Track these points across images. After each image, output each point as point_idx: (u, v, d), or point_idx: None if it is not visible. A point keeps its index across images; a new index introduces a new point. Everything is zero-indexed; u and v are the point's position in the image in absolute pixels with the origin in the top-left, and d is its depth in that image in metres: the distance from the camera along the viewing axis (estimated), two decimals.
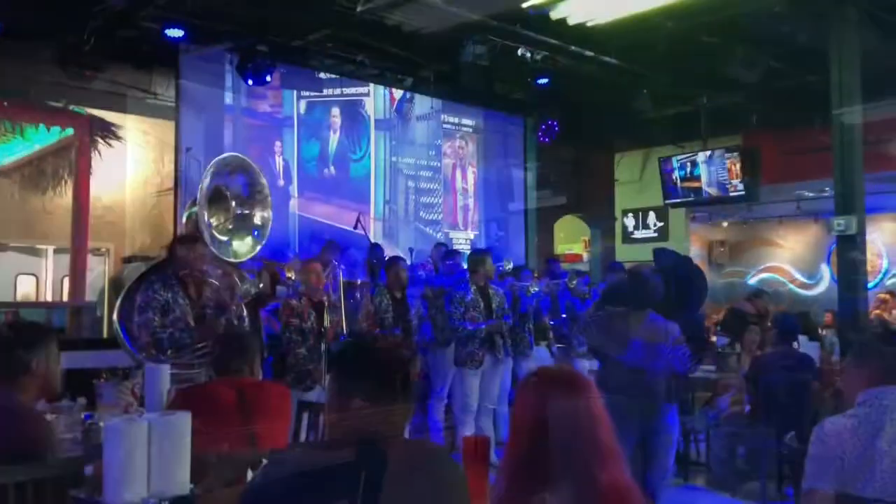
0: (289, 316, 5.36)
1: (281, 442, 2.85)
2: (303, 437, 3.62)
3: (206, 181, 4.54)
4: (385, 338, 5.91)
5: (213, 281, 4.52)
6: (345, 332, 5.67)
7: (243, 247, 4.72)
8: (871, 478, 2.22)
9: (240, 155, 5.30)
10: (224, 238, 4.67)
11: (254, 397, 2.86)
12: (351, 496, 1.53)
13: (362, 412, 1.66)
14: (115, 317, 4.48)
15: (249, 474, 2.29)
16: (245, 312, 4.69)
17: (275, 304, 6.02)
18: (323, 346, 5.35)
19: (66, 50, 7.28)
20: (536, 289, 6.98)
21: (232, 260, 4.67)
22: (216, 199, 4.80)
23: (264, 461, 2.30)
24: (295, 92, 8.94)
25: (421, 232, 10.00)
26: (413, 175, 10.10)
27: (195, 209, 4.56)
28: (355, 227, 8.05)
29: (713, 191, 10.46)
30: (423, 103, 10.15)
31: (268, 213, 4.94)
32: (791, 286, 15.27)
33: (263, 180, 4.98)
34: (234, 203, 4.86)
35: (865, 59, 7.02)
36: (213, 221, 4.72)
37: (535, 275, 7.82)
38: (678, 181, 10.81)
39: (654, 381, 4.05)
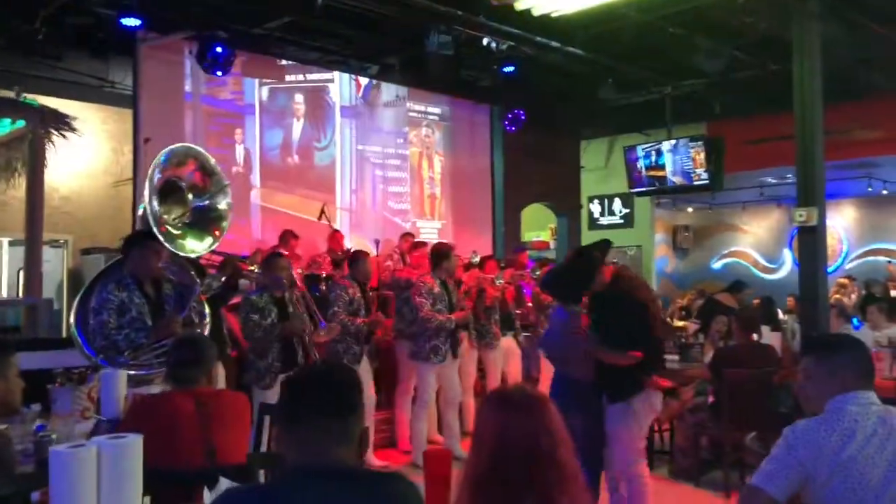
0: (248, 312, 5.27)
1: (240, 453, 2.79)
2: (264, 444, 3.57)
3: (155, 176, 4.39)
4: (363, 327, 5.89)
5: (171, 277, 4.41)
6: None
7: (200, 245, 4.57)
8: (839, 485, 2.21)
9: (187, 144, 5.13)
10: (177, 232, 4.51)
11: (211, 407, 2.80)
12: None
13: (311, 443, 1.61)
14: (71, 320, 4.35)
15: (206, 493, 2.23)
16: (206, 310, 4.57)
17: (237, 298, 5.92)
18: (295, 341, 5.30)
19: (16, 38, 7.06)
20: (502, 280, 6.97)
21: (189, 255, 4.52)
22: (170, 191, 4.63)
23: (221, 482, 2.25)
24: (257, 79, 8.76)
25: (389, 222, 9.87)
26: (380, 163, 9.93)
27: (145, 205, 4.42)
28: (319, 218, 7.93)
29: (678, 179, 10.52)
30: (389, 90, 10.00)
31: (228, 202, 4.78)
32: (754, 270, 15.51)
33: (217, 167, 4.80)
34: (190, 196, 4.69)
35: (826, 49, 7.08)
36: (169, 216, 4.55)
37: (502, 265, 7.81)
38: (643, 170, 10.86)
39: (561, 367, 4.47)
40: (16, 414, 2.99)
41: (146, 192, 4.34)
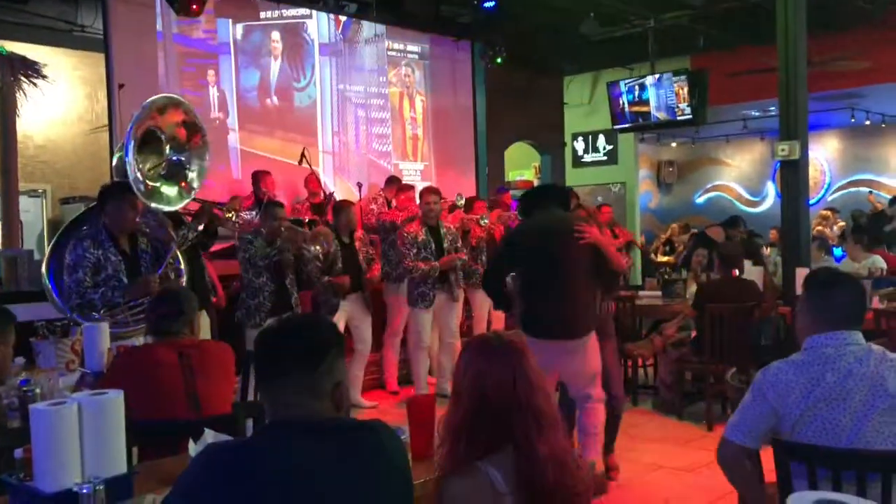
0: (246, 249, 5.32)
1: (225, 404, 2.81)
2: (251, 393, 3.59)
3: (135, 129, 4.26)
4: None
5: (147, 231, 4.35)
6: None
7: (172, 192, 4.49)
8: (810, 425, 2.25)
9: (173, 95, 5.00)
10: (153, 185, 4.41)
11: (194, 358, 2.80)
12: (287, 496, 1.50)
13: (283, 396, 1.61)
14: (42, 270, 4.31)
15: (191, 444, 2.25)
16: (183, 265, 4.51)
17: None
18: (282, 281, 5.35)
19: None
20: (487, 220, 6.96)
21: (165, 208, 4.44)
22: (148, 140, 4.51)
23: (206, 433, 2.26)
24: (230, 18, 8.36)
25: (374, 164, 9.58)
26: (363, 104, 9.56)
27: (121, 154, 4.30)
28: (300, 162, 7.79)
29: (662, 115, 10.43)
30: (370, 26, 9.62)
31: (205, 164, 4.65)
32: (737, 204, 15.58)
33: (200, 122, 4.67)
34: (168, 147, 4.57)
35: None
36: (144, 166, 4.43)
37: (488, 205, 7.79)
38: (626, 106, 10.75)
39: None
40: (2, 383, 2.99)
41: (129, 149, 4.21)
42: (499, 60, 10.02)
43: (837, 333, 2.31)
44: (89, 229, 4.11)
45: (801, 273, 6.41)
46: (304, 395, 1.59)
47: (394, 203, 7.52)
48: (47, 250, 4.39)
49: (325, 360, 1.62)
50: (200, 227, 4.74)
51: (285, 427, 1.58)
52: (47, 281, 4.22)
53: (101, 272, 3.96)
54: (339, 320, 5.84)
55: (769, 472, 2.45)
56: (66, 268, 3.96)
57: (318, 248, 5.57)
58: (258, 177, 7.28)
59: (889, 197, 12.47)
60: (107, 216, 4.06)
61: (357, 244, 6.20)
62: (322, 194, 7.62)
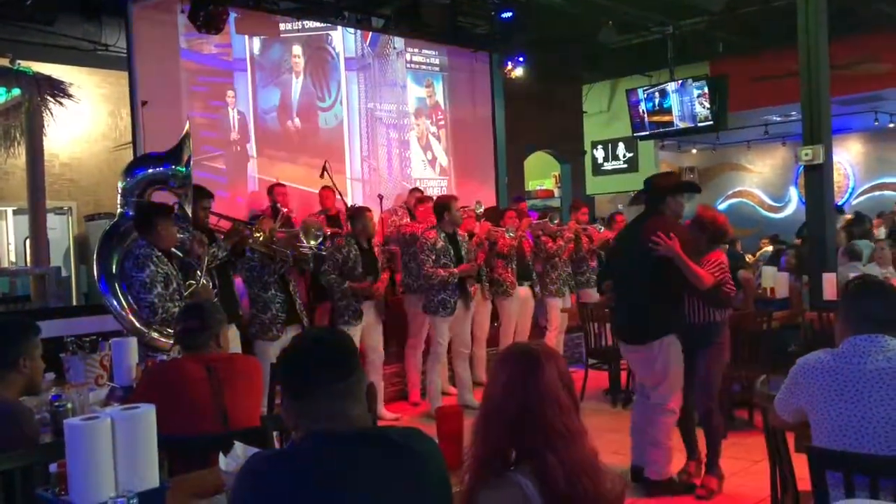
0: (248, 265, 5.41)
1: (254, 417, 2.82)
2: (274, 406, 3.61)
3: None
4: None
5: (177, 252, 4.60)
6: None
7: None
8: (831, 422, 2.33)
9: None
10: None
11: (223, 372, 2.81)
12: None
13: (325, 410, 1.62)
14: (110, 301, 4.42)
15: (221, 457, 2.25)
16: (212, 279, 4.74)
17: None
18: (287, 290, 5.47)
19: (7, 4, 6.95)
20: (513, 233, 6.96)
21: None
22: None
23: (236, 445, 2.27)
24: (248, 35, 7.91)
25: (406, 190, 8.72)
26: (394, 124, 8.89)
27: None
28: (322, 175, 7.72)
29: (683, 124, 10.38)
30: (399, 39, 9.13)
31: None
32: (760, 210, 15.45)
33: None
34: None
35: None
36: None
37: (517, 214, 7.76)
38: (645, 114, 10.70)
39: None
40: (38, 394, 3.03)
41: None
42: (518, 71, 10.01)
43: (874, 336, 2.39)
44: (140, 248, 4.25)
45: (828, 278, 6.35)
46: (345, 401, 1.62)
47: (415, 214, 7.48)
48: (98, 268, 4.51)
49: (356, 366, 1.68)
50: (229, 247, 4.92)
51: (333, 438, 1.60)
52: (111, 299, 4.34)
53: (169, 286, 4.21)
54: (356, 332, 5.84)
55: (802, 479, 2.45)
56: (141, 286, 4.14)
57: (313, 242, 5.62)
58: (272, 190, 7.23)
59: None
60: (154, 235, 4.26)
61: (376, 250, 6.25)
62: (335, 209, 7.50)
